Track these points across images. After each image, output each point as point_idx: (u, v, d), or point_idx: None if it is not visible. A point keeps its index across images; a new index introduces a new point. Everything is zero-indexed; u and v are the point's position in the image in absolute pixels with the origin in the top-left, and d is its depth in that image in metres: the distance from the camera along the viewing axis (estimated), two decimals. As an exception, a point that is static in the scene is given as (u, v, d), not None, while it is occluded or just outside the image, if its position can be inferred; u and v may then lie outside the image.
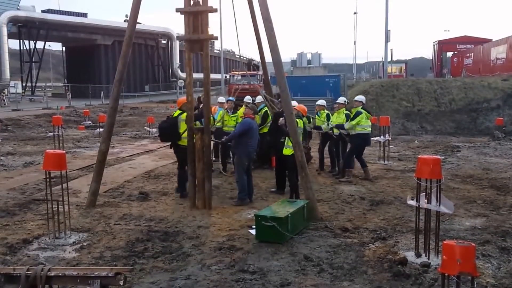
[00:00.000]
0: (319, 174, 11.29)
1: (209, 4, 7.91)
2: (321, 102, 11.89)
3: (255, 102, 11.62)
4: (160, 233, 6.67)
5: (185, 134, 8.50)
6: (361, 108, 10.63)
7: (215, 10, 7.87)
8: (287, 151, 8.50)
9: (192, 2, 7.88)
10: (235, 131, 8.89)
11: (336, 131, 10.94)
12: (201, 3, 7.86)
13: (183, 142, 8.59)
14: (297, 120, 8.25)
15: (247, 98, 11.71)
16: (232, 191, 9.39)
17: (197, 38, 7.89)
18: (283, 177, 9.17)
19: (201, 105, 9.07)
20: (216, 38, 8.38)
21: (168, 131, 8.90)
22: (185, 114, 8.45)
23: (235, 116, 11.37)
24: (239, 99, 12.86)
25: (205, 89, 8.25)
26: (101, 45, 55.99)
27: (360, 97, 11.13)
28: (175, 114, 9.00)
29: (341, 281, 5.06)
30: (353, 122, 10.42)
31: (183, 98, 9.00)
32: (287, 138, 8.42)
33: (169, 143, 9.14)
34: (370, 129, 10.80)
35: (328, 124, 11.11)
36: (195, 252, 5.94)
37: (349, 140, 10.84)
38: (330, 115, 11.48)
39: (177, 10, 7.97)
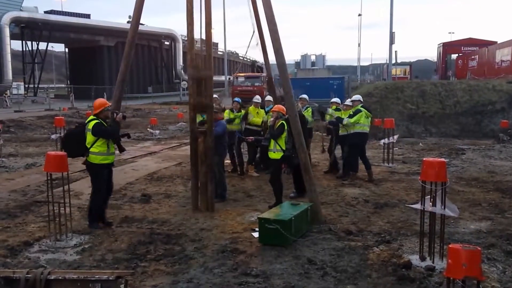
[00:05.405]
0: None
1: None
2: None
3: (265, 100, 11.85)
4: (162, 236, 6.62)
5: (94, 149, 6.83)
6: (361, 107, 10.62)
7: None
8: (274, 155, 8.17)
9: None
10: (219, 131, 8.66)
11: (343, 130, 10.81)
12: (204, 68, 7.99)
13: (92, 159, 6.89)
14: (282, 121, 8.05)
15: (256, 98, 11.76)
16: (235, 193, 9.37)
17: (201, 102, 8.04)
18: (299, 180, 9.07)
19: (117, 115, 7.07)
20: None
21: (72, 141, 7.06)
22: (93, 122, 6.82)
23: (239, 114, 11.39)
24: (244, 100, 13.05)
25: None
26: (104, 46, 56.09)
27: (357, 96, 11.16)
28: (88, 121, 7.07)
29: (345, 284, 5.00)
30: (352, 120, 10.39)
31: (102, 101, 7.22)
32: (272, 141, 8.13)
33: (79, 157, 7.10)
34: (368, 128, 10.80)
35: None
36: (197, 255, 5.89)
37: (340, 138, 10.83)
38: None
39: (184, 80, 8.10)
